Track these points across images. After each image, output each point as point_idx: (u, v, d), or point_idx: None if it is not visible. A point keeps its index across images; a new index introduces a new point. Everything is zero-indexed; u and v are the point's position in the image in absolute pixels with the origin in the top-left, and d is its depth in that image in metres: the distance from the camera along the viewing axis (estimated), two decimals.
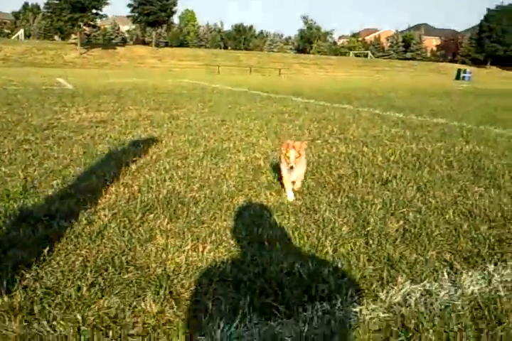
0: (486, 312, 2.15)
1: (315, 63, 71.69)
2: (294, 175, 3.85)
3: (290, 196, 3.85)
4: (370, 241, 2.96)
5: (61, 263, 2.55)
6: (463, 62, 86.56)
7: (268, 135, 7.07)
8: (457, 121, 9.58)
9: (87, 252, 2.69)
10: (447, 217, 3.45)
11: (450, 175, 4.76)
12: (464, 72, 51.21)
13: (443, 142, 6.80)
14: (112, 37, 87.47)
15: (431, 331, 1.99)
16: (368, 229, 3.17)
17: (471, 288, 2.38)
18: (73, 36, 72.51)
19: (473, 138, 7.18)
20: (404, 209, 3.59)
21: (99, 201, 3.62)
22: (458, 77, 50.27)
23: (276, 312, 2.10)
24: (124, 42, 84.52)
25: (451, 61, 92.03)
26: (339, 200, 3.80)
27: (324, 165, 5.10)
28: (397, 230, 3.17)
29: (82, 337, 1.89)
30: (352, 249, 2.83)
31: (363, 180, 4.45)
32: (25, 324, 1.96)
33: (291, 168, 3.68)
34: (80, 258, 2.60)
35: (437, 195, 4.01)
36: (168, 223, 3.19)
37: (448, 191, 4.16)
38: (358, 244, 2.91)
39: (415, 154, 5.81)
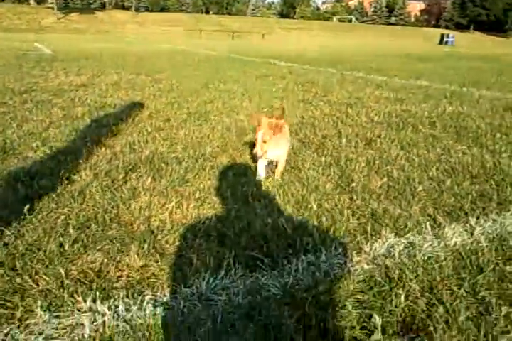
0: (468, 262, 2.17)
1: (298, 28, 70.82)
2: (272, 155, 3.15)
3: (260, 173, 3.26)
4: (354, 197, 2.96)
5: (42, 221, 2.50)
6: (446, 27, 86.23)
7: (252, 98, 6.97)
8: (440, 83, 9.55)
9: (69, 211, 2.65)
10: (430, 173, 3.46)
11: (433, 134, 4.76)
12: (447, 36, 50.88)
13: (426, 103, 6.78)
14: (91, 1, 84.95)
15: (414, 280, 2.02)
16: (352, 185, 3.17)
17: (454, 239, 2.41)
18: (50, 0, 70.16)
19: (456, 100, 7.17)
20: (388, 167, 3.59)
21: (81, 161, 3.55)
22: (441, 42, 49.95)
23: (260, 264, 2.11)
24: (103, 6, 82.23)
25: (434, 26, 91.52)
26: (323, 159, 3.78)
27: (308, 126, 5.06)
28: (381, 187, 3.17)
29: (66, 291, 1.87)
30: (336, 205, 2.83)
31: (347, 140, 4.43)
32: (7, 278, 1.94)
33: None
34: (62, 217, 2.56)
35: (421, 153, 4.02)
36: (151, 182, 3.15)
37: (431, 149, 4.16)
38: (342, 199, 2.91)
39: (399, 115, 5.80)
